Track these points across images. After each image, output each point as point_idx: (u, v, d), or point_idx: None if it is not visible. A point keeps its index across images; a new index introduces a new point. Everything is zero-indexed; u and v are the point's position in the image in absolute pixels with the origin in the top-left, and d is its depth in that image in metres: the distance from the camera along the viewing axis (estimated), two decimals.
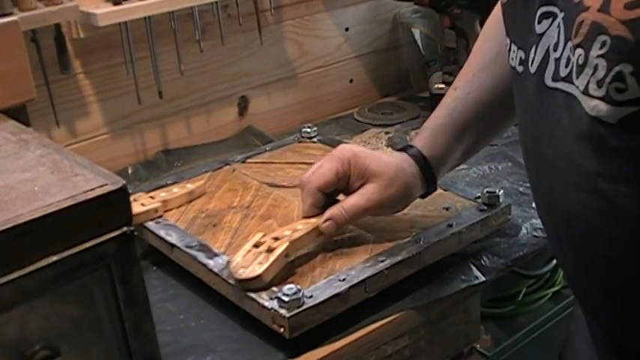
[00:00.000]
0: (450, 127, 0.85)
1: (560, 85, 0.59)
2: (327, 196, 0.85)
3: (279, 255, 0.79)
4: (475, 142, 0.88)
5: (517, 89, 0.69)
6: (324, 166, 0.83)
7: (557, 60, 0.59)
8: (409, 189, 0.84)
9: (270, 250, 0.79)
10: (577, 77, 0.56)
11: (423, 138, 0.86)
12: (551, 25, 0.61)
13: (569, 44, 0.57)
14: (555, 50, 0.60)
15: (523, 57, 0.65)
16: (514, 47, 0.67)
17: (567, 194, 0.61)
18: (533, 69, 0.63)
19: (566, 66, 0.58)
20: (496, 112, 0.87)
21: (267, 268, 0.77)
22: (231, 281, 0.78)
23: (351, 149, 0.85)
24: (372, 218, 0.90)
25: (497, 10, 0.86)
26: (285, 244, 0.80)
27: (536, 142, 0.65)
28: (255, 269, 0.77)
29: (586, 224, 0.61)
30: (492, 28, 0.87)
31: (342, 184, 0.84)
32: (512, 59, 0.67)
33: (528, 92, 0.65)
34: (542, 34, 0.61)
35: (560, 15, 0.59)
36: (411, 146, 0.86)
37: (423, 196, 0.88)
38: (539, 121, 0.64)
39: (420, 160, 0.84)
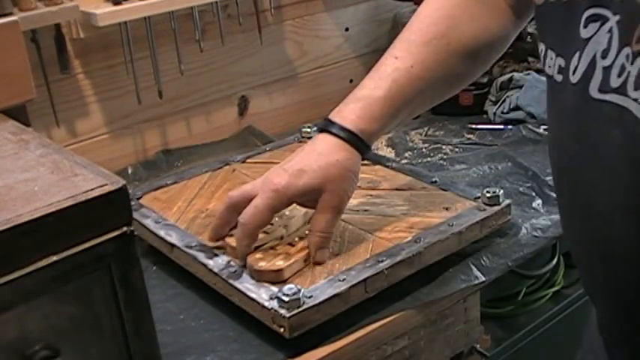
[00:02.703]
0: (389, 100, 0.81)
1: (609, 97, 0.54)
2: None
3: (300, 258, 0.81)
4: (409, 114, 0.86)
5: (553, 99, 0.63)
6: (258, 206, 0.78)
7: (607, 69, 0.54)
8: (354, 173, 0.81)
9: (289, 253, 0.81)
10: (635, 89, 0.51)
11: (357, 110, 0.81)
12: (599, 29, 0.55)
13: (626, 51, 0.52)
14: (604, 58, 0.54)
15: (563, 65, 0.59)
16: (551, 54, 0.61)
17: (610, 217, 0.56)
18: (575, 78, 0.57)
19: (619, 75, 0.53)
20: (435, 89, 0.84)
21: (290, 265, 0.79)
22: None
23: (279, 182, 0.79)
24: (372, 218, 0.91)
25: None
26: (307, 251, 0.82)
27: (573, 158, 0.60)
28: (278, 263, 0.79)
29: (628, 249, 0.55)
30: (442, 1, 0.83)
31: (283, 208, 0.81)
32: (550, 67, 0.61)
33: (566, 104, 0.59)
34: (589, 40, 0.56)
35: (614, 18, 0.53)
36: (334, 124, 0.81)
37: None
38: (578, 137, 0.58)
39: (355, 141, 0.80)
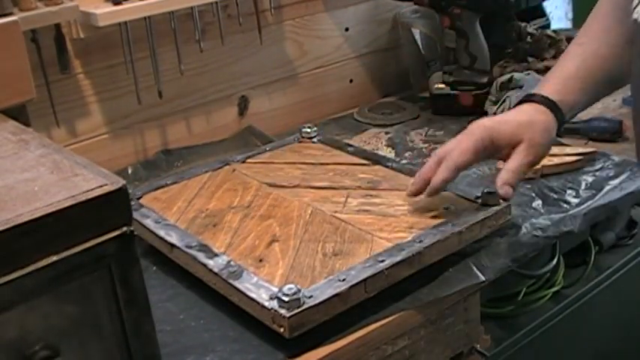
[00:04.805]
0: (580, 78, 0.93)
1: None
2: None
3: None
4: (595, 95, 0.96)
5: (636, 42, 0.72)
6: (462, 143, 0.90)
7: None
8: (550, 135, 0.92)
9: None
10: None
11: (553, 85, 0.94)
12: None
13: None
14: None
15: None
16: None
17: None
18: None
19: None
20: (616, 69, 0.92)
21: None
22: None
23: (484, 126, 0.91)
24: (372, 218, 0.91)
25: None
26: None
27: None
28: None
29: None
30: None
31: (482, 158, 0.93)
32: (638, 12, 0.72)
33: None
34: None
35: None
36: (535, 94, 0.94)
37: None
38: None
39: (552, 106, 0.92)
